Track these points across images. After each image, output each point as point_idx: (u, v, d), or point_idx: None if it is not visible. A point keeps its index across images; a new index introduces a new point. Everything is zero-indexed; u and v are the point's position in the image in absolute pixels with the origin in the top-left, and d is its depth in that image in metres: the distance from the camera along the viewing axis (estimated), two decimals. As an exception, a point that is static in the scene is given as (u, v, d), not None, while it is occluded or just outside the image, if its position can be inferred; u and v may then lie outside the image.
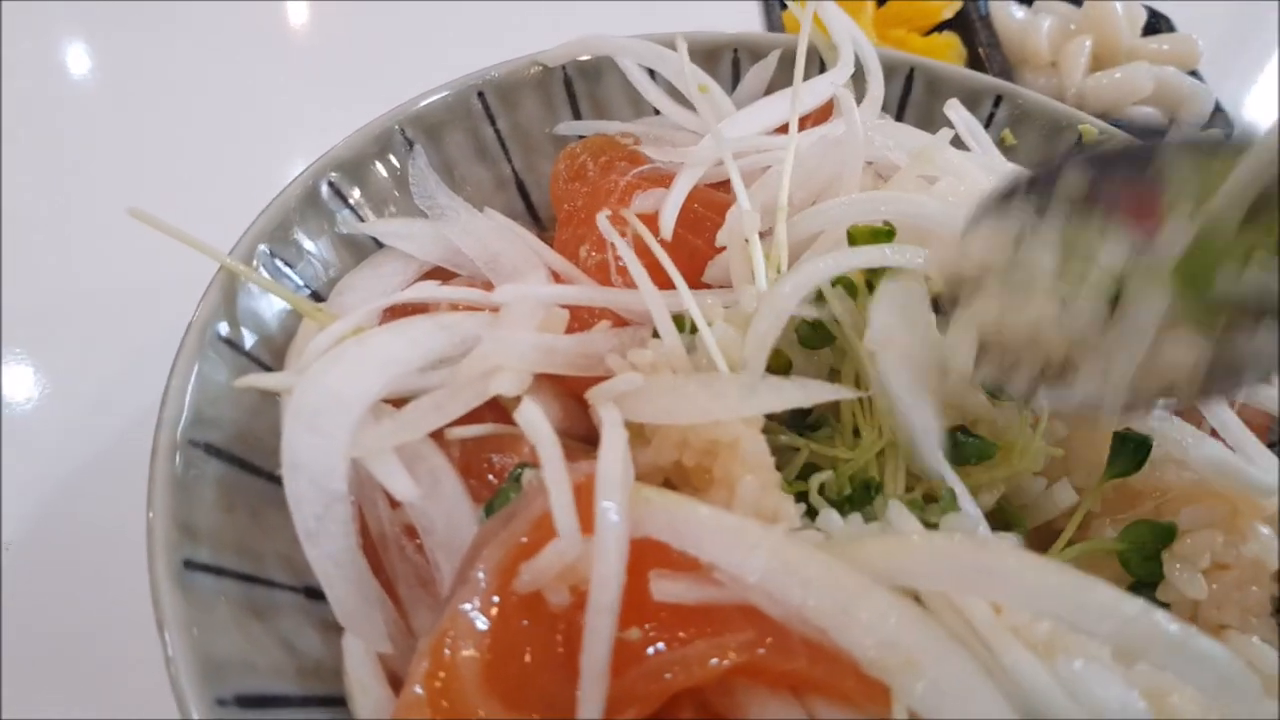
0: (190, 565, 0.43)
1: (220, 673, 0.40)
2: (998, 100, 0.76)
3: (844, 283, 0.54)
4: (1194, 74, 1.14)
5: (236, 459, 0.49)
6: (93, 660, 0.60)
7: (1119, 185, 0.44)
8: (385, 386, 0.49)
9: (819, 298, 0.54)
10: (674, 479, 0.49)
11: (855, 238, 0.54)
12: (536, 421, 0.44)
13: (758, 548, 0.41)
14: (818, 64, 0.75)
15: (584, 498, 0.42)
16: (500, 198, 0.71)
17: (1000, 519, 0.53)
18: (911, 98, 0.77)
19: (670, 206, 0.57)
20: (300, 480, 0.44)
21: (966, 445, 0.51)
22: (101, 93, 1.03)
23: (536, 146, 0.73)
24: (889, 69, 0.74)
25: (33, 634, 0.60)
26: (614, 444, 0.43)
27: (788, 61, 0.76)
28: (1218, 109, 1.11)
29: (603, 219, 0.54)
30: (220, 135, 0.97)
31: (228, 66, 1.06)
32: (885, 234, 0.53)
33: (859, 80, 0.72)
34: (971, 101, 0.74)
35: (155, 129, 0.97)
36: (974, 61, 1.12)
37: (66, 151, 0.94)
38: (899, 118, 0.77)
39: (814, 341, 0.52)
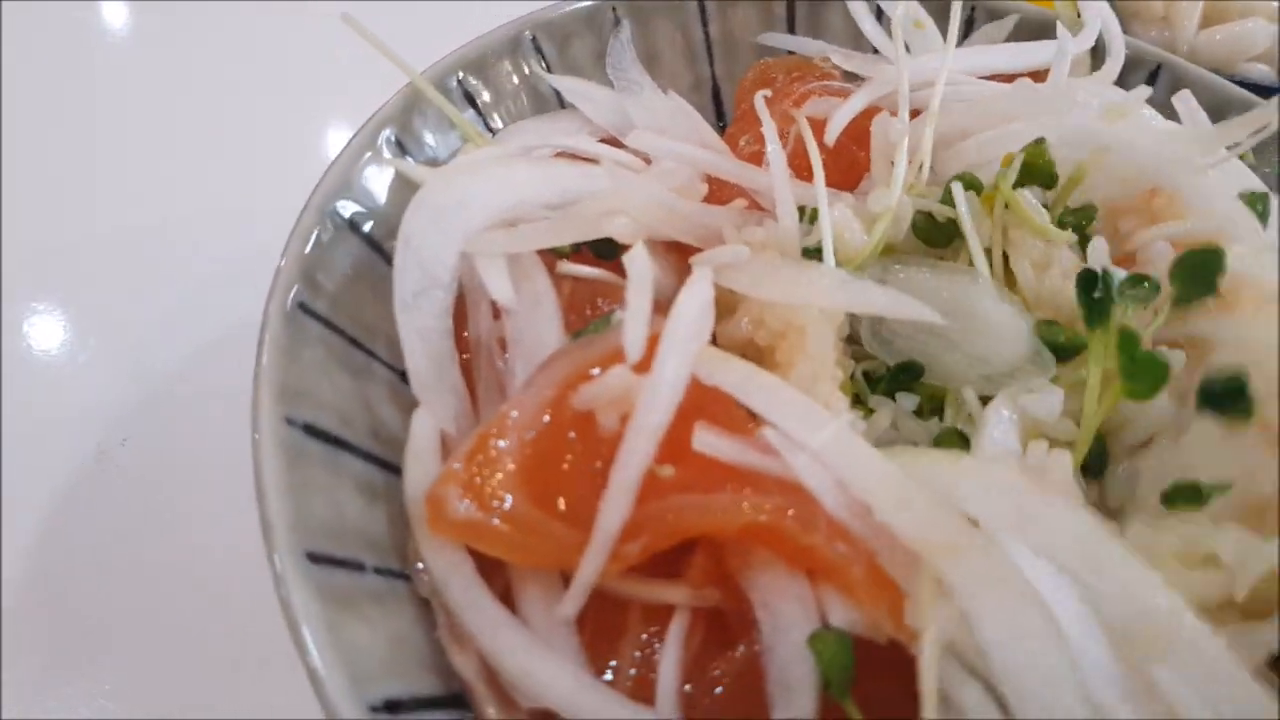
0: (302, 307, 0.46)
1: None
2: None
3: (968, 180, 0.52)
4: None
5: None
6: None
7: None
8: (512, 206, 0.51)
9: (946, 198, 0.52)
10: (747, 357, 0.49)
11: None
12: (640, 258, 0.44)
13: (825, 424, 0.41)
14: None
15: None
16: (693, 99, 0.71)
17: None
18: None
19: (841, 113, 0.56)
20: (408, 256, 0.46)
21: (1058, 331, 0.48)
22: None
23: (741, 56, 0.73)
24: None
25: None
26: (696, 290, 0.44)
27: (1023, 31, 0.72)
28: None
29: (759, 98, 0.53)
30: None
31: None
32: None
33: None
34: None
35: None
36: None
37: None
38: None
39: (932, 238, 0.51)
